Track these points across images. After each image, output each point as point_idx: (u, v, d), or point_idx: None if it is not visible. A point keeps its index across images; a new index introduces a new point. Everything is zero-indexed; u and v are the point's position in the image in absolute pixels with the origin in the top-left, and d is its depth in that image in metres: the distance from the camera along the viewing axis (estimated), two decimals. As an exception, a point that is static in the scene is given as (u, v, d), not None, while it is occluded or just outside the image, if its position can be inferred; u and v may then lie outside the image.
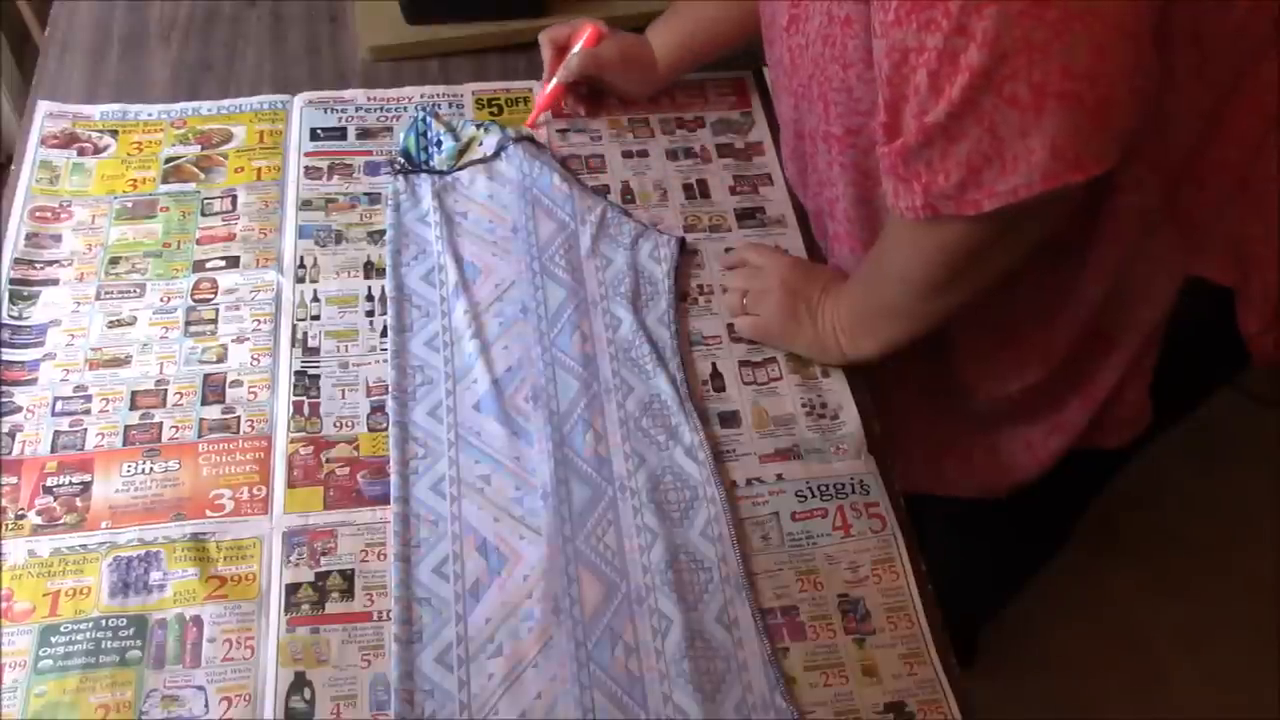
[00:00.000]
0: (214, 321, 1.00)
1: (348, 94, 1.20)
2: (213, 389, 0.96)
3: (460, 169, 1.13)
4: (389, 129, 1.17)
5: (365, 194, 1.11)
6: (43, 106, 1.17)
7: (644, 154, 1.17)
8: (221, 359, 0.98)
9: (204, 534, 0.87)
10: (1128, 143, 0.75)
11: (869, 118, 0.87)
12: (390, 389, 0.96)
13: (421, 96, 1.20)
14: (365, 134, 1.16)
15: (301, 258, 1.05)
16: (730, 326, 1.03)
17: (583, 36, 1.14)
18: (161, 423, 0.93)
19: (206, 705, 0.79)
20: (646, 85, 1.19)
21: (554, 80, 1.15)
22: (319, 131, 1.16)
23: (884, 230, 0.93)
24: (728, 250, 1.09)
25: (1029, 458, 1.10)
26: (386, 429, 0.94)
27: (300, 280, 1.04)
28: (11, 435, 0.92)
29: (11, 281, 1.02)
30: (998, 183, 0.75)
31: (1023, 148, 0.73)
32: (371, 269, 1.05)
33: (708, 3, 1.14)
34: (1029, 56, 0.69)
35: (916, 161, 0.78)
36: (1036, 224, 0.83)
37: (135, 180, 1.11)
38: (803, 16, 0.91)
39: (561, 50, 1.16)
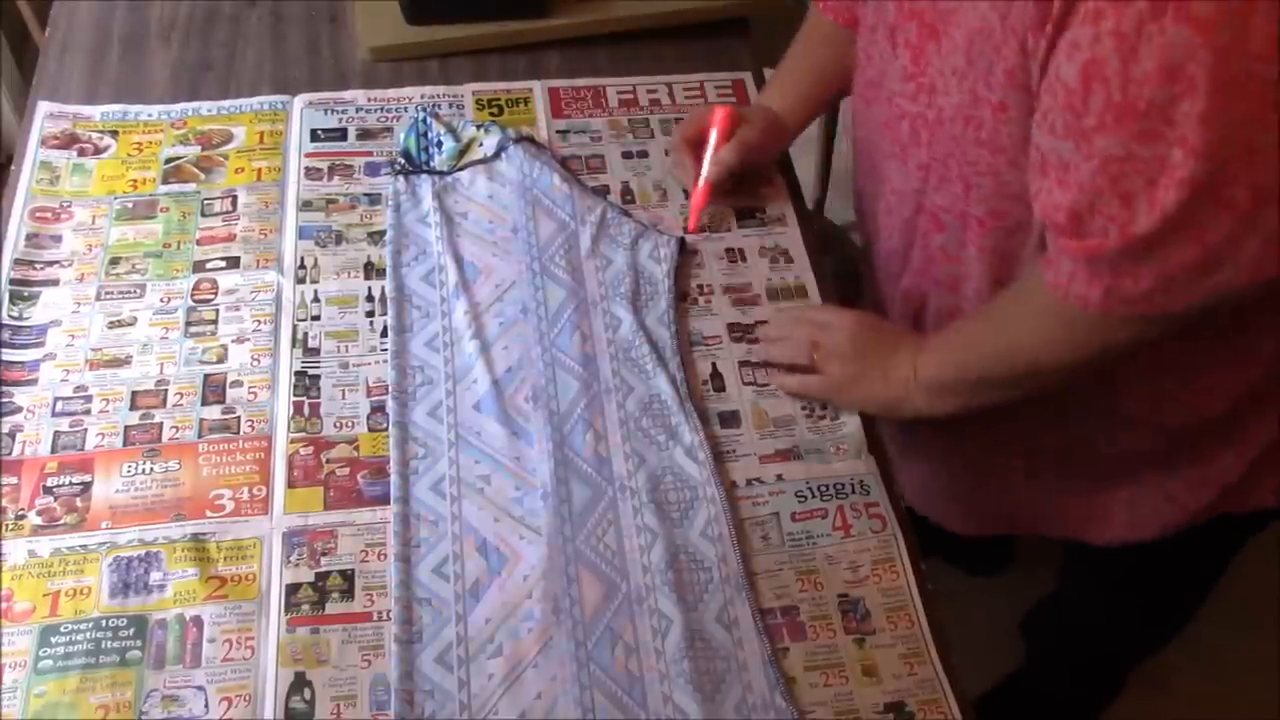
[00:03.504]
0: (214, 322, 1.00)
1: (348, 94, 1.20)
2: (213, 389, 0.96)
3: (460, 169, 1.13)
4: (389, 129, 1.17)
5: (365, 194, 1.11)
6: (43, 107, 1.17)
7: (644, 154, 1.17)
8: (222, 359, 0.98)
9: (204, 534, 0.87)
10: None
11: (1017, 203, 0.84)
12: (390, 389, 0.96)
13: (422, 97, 1.20)
14: (365, 134, 1.16)
15: (302, 258, 1.05)
16: (730, 326, 1.03)
17: (715, 124, 1.08)
18: (161, 423, 0.94)
19: (206, 705, 0.79)
20: (779, 152, 1.15)
21: (703, 179, 1.08)
22: (319, 132, 1.16)
23: (1017, 306, 0.88)
24: (728, 250, 1.09)
25: (1171, 511, 1.04)
26: (386, 429, 0.94)
27: (300, 281, 1.04)
28: (12, 435, 0.92)
29: (12, 282, 1.02)
30: (1196, 285, 0.72)
31: (1232, 249, 0.70)
32: (372, 269, 1.05)
33: (814, 55, 1.12)
34: (1249, 159, 0.66)
35: (1102, 264, 0.74)
36: (1213, 311, 0.78)
37: (135, 181, 1.11)
38: (930, 87, 0.85)
39: (697, 144, 1.09)
